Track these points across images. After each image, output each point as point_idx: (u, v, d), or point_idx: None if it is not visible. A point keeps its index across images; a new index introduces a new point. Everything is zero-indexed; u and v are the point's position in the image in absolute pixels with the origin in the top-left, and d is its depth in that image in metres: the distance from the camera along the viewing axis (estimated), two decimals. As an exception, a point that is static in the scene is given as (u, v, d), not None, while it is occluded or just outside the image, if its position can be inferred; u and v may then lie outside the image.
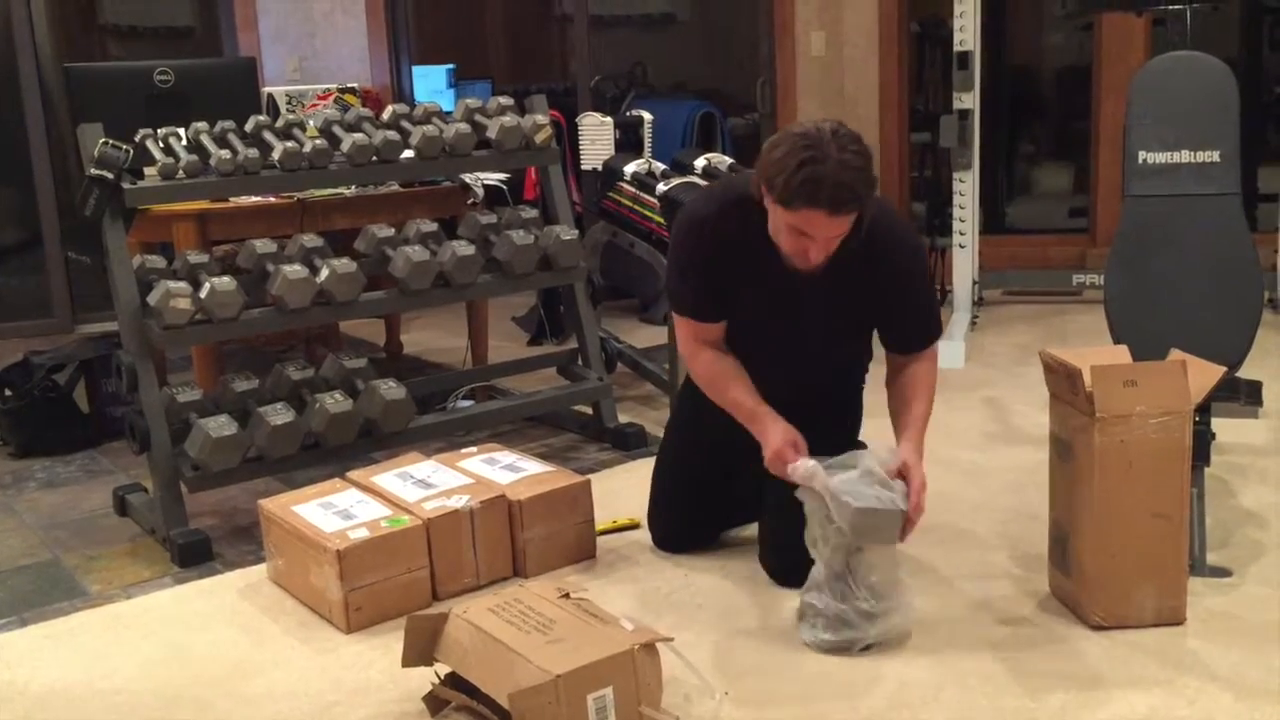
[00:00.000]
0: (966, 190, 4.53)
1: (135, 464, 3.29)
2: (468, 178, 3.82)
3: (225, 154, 2.97)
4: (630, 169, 3.77)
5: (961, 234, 4.57)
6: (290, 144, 3.04)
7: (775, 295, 2.37)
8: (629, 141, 4.22)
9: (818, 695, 2.04)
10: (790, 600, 2.39)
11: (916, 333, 2.44)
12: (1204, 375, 2.34)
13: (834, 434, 2.36)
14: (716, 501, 2.64)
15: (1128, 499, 2.15)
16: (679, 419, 2.78)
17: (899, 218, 2.45)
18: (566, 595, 2.06)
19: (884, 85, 5.42)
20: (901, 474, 2.22)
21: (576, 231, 3.40)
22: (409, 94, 6.10)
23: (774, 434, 2.31)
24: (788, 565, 2.40)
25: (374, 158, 3.16)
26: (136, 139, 3.02)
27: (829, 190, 2.07)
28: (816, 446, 2.30)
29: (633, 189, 3.73)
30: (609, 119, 4.08)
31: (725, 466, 2.57)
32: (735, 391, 2.41)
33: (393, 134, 3.18)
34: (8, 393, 3.74)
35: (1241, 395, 2.76)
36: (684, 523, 2.65)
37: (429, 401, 3.44)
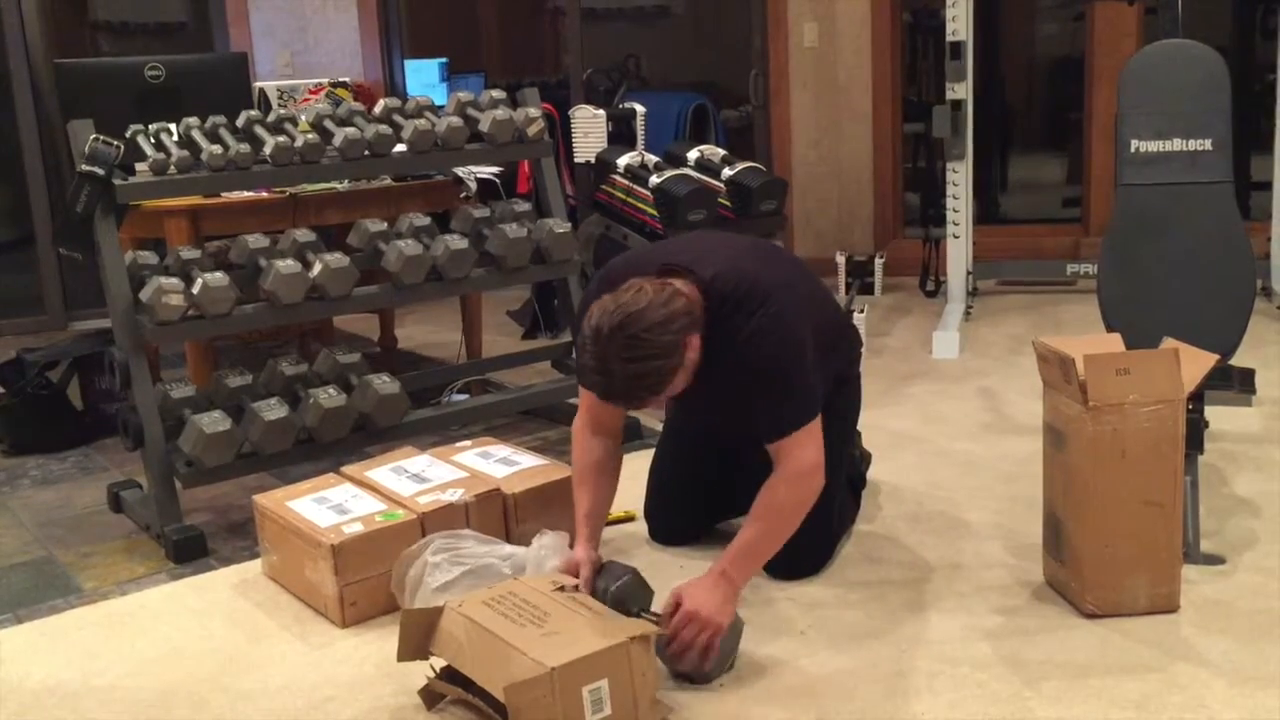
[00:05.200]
0: (960, 181, 4.53)
1: (129, 460, 3.29)
2: (460, 171, 3.82)
3: (217, 149, 2.97)
4: (623, 161, 3.77)
5: (955, 224, 4.57)
6: (282, 139, 3.04)
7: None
8: (622, 134, 4.21)
9: (813, 686, 2.04)
10: (785, 592, 2.39)
11: (763, 423, 2.22)
12: (1197, 363, 2.34)
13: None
14: (714, 496, 2.64)
15: (1121, 487, 2.16)
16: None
17: (750, 303, 2.19)
18: (561, 588, 2.07)
19: (877, 76, 5.42)
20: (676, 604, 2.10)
21: (570, 224, 3.40)
22: (401, 88, 6.09)
23: (576, 550, 2.29)
24: (783, 558, 2.41)
25: (366, 152, 3.15)
26: (128, 135, 3.01)
27: (617, 397, 2.10)
28: None
29: (626, 181, 3.73)
30: (602, 112, 4.08)
31: (725, 461, 2.58)
32: (580, 492, 2.37)
33: (385, 128, 3.18)
34: (0, 390, 3.73)
35: (1234, 383, 2.77)
36: (682, 516, 2.66)
37: (423, 396, 3.44)
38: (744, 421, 2.25)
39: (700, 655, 2.06)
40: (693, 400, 2.27)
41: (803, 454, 2.20)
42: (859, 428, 2.90)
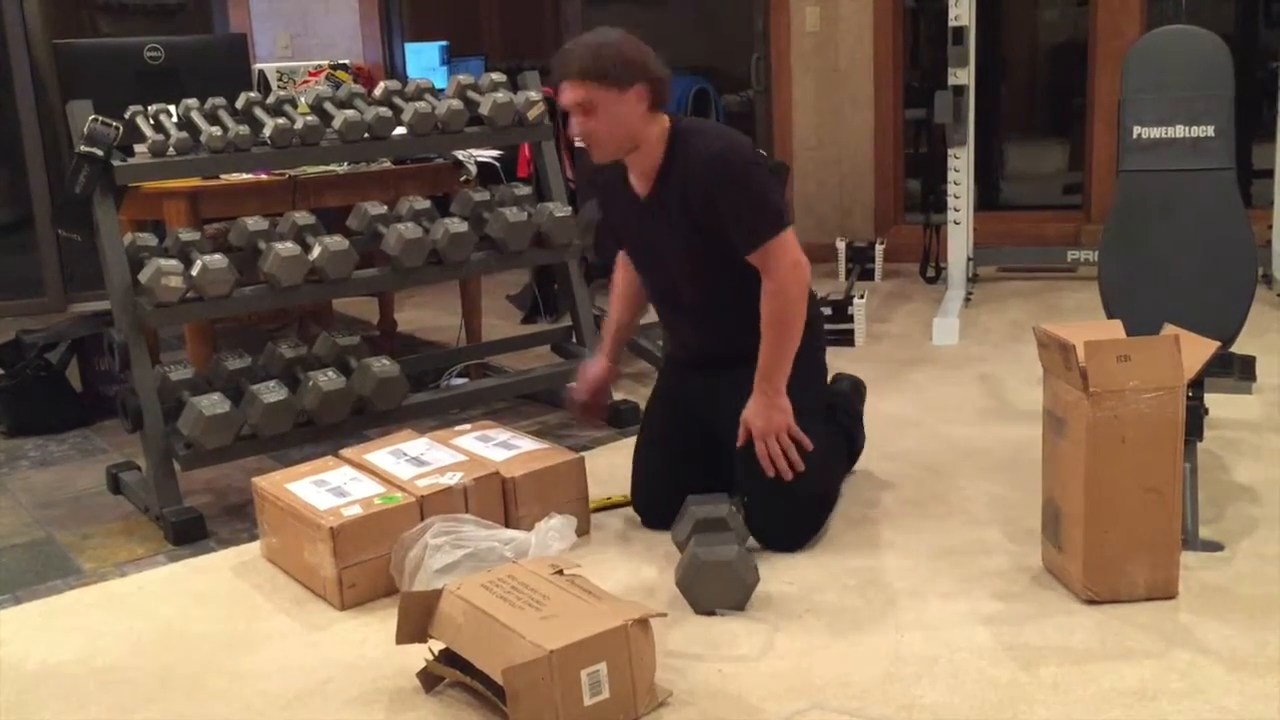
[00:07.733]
0: (961, 166, 4.53)
1: (128, 442, 3.29)
2: (460, 154, 3.81)
3: (216, 131, 2.96)
4: (624, 145, 3.75)
5: (956, 210, 4.56)
6: (281, 121, 3.03)
7: (639, 228, 2.58)
8: (622, 118, 4.19)
9: (810, 669, 2.05)
10: (783, 576, 2.39)
11: (743, 235, 2.42)
12: (1197, 350, 2.34)
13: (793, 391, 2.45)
14: (697, 476, 2.63)
15: (1120, 474, 2.16)
16: (658, 395, 2.79)
17: (713, 132, 2.51)
18: (560, 572, 2.07)
19: (879, 61, 5.40)
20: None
21: (570, 208, 3.39)
22: (401, 71, 6.07)
23: (585, 367, 2.81)
24: (778, 529, 2.42)
25: (366, 134, 3.14)
26: (127, 116, 3.00)
27: (558, 58, 2.40)
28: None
29: (626, 165, 3.71)
30: (602, 95, 4.06)
31: (704, 441, 2.59)
32: (613, 309, 2.83)
33: (385, 110, 3.17)
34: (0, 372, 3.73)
35: (1235, 370, 2.77)
36: (667, 502, 2.64)
37: (422, 379, 3.44)
38: (711, 253, 2.45)
39: (792, 457, 2.40)
40: (653, 240, 2.54)
41: (785, 254, 2.41)
42: (858, 413, 2.92)
